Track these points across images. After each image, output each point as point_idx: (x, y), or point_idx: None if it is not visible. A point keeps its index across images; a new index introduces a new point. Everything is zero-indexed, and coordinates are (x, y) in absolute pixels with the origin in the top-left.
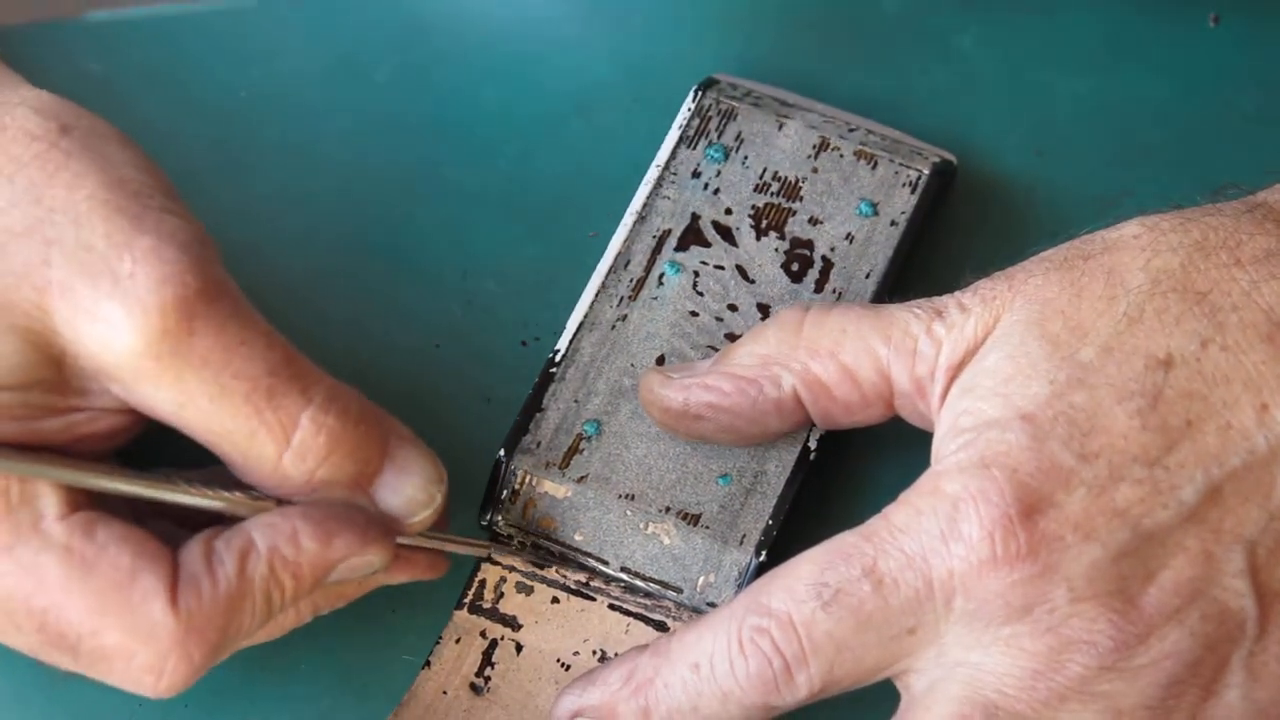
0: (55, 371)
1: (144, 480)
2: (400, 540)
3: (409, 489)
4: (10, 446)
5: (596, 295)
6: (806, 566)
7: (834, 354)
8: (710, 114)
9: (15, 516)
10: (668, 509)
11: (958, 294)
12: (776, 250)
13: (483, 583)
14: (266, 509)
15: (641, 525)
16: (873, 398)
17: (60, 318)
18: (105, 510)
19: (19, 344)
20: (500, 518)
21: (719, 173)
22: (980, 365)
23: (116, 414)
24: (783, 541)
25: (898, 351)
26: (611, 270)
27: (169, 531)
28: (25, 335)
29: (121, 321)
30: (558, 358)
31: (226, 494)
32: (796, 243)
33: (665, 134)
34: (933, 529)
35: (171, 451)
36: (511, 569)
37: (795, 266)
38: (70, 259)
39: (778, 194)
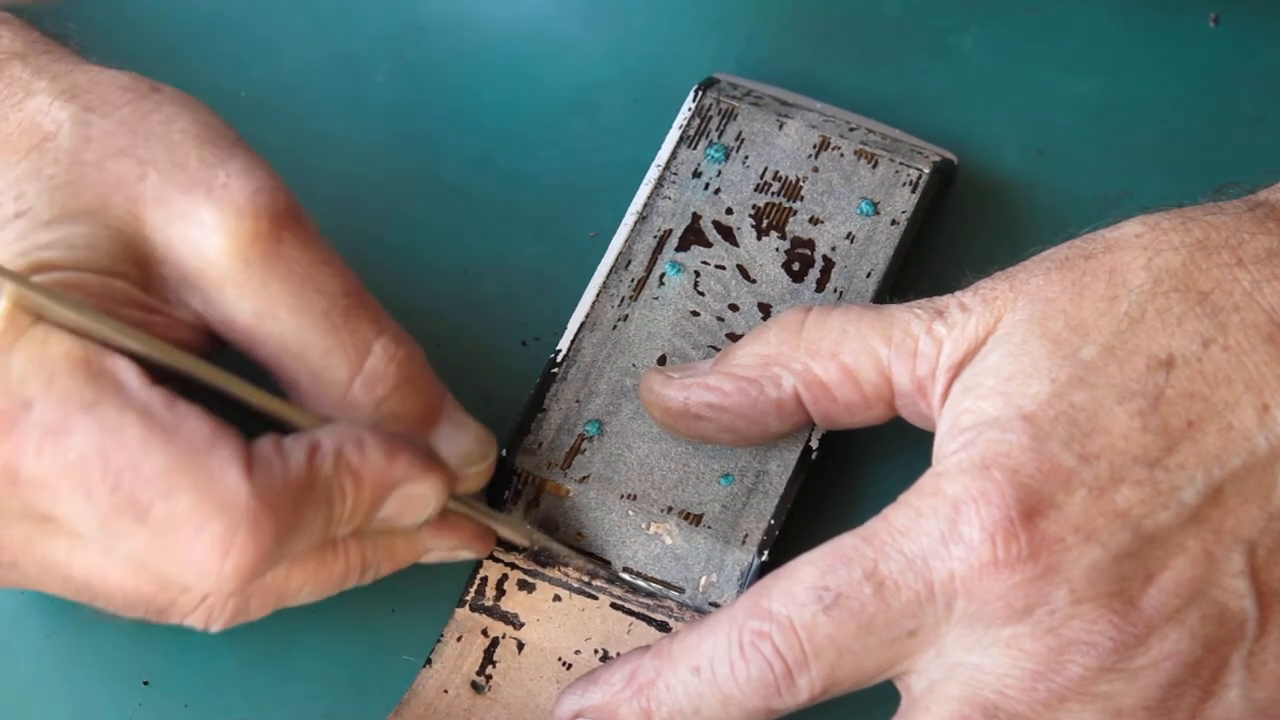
0: (139, 270)
1: (225, 374)
2: (450, 505)
3: (465, 441)
4: (96, 309)
5: (598, 295)
6: (807, 569)
7: (835, 354)
8: (711, 114)
9: (100, 378)
10: (670, 509)
11: (959, 294)
12: (777, 250)
13: (484, 580)
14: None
15: (643, 525)
16: (874, 398)
17: (153, 224)
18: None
19: (108, 237)
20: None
21: (720, 172)
22: (981, 364)
23: (190, 328)
24: (785, 541)
25: (899, 352)
26: (613, 270)
27: None
28: (116, 233)
29: (215, 224)
30: (559, 358)
31: (299, 410)
32: (797, 242)
33: (665, 134)
34: (933, 531)
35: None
36: (513, 566)
37: (796, 266)
38: (164, 175)
39: (778, 193)
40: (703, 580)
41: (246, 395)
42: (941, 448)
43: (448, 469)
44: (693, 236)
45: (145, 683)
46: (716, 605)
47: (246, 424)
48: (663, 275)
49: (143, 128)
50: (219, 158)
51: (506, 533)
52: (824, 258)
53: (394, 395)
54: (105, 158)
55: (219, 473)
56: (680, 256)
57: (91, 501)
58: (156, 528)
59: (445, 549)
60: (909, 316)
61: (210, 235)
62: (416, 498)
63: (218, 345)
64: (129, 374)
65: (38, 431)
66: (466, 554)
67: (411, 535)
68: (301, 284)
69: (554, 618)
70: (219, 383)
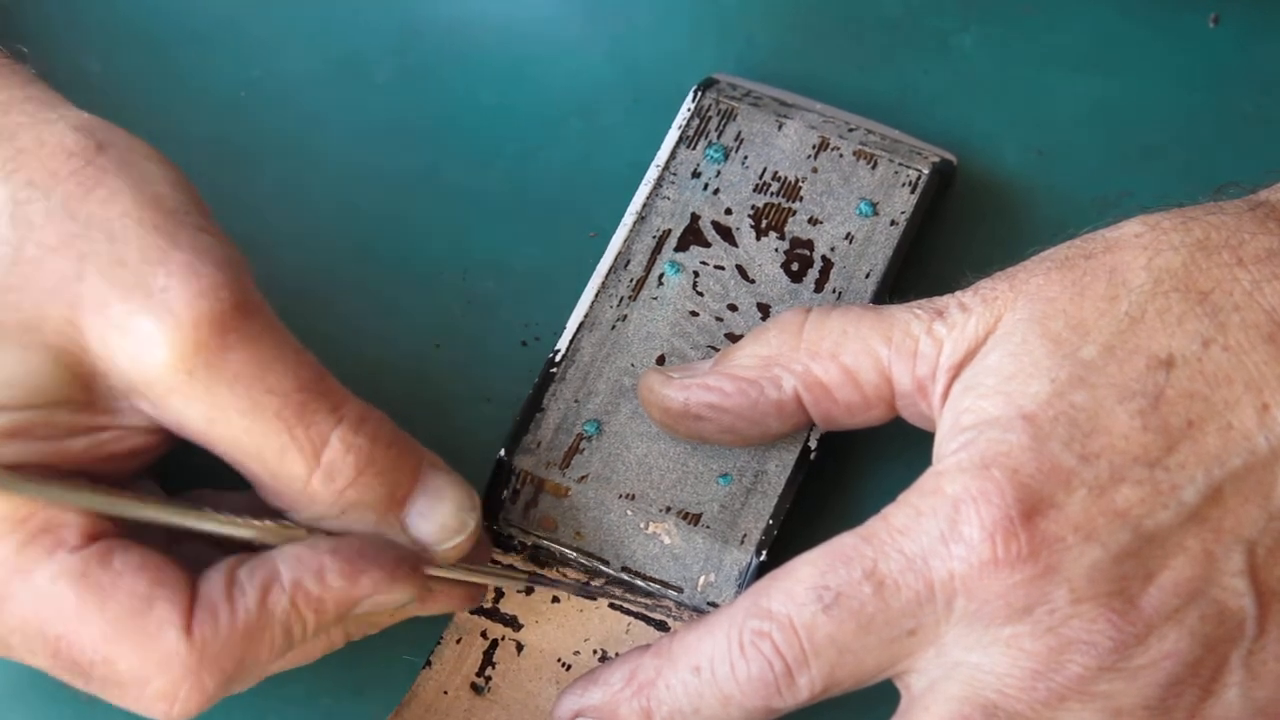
0: (83, 389)
1: (170, 507)
2: (432, 572)
3: (441, 515)
4: (34, 470)
5: (597, 295)
6: (806, 569)
7: (835, 355)
8: (710, 114)
9: (35, 543)
10: (668, 509)
11: (959, 294)
12: (776, 250)
13: None
14: (297, 537)
15: (642, 525)
16: (874, 399)
17: (92, 333)
18: (130, 535)
19: (48, 361)
20: (501, 518)
21: (719, 173)
22: (982, 364)
23: (144, 432)
24: (783, 541)
25: (899, 352)
26: (612, 270)
27: (201, 553)
28: (55, 353)
29: (155, 335)
30: (558, 357)
31: (256, 522)
32: (796, 242)
33: (665, 134)
34: (933, 530)
35: (200, 472)
36: (511, 568)
37: (795, 266)
38: (103, 273)
39: (777, 194)
40: (701, 580)
41: (201, 525)
42: (941, 447)
43: (419, 567)
44: (692, 237)
45: None
46: (715, 605)
47: (233, 476)
48: (661, 275)
49: (83, 211)
50: (160, 250)
51: (495, 582)
52: (823, 258)
53: (355, 485)
54: (45, 252)
55: (157, 633)
56: (679, 257)
57: (36, 658)
58: (101, 683)
59: (434, 613)
60: (909, 317)
61: (151, 347)
62: (387, 601)
63: (176, 440)
64: (69, 531)
65: None
66: (457, 609)
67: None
68: (250, 387)
69: (553, 619)
70: (170, 520)
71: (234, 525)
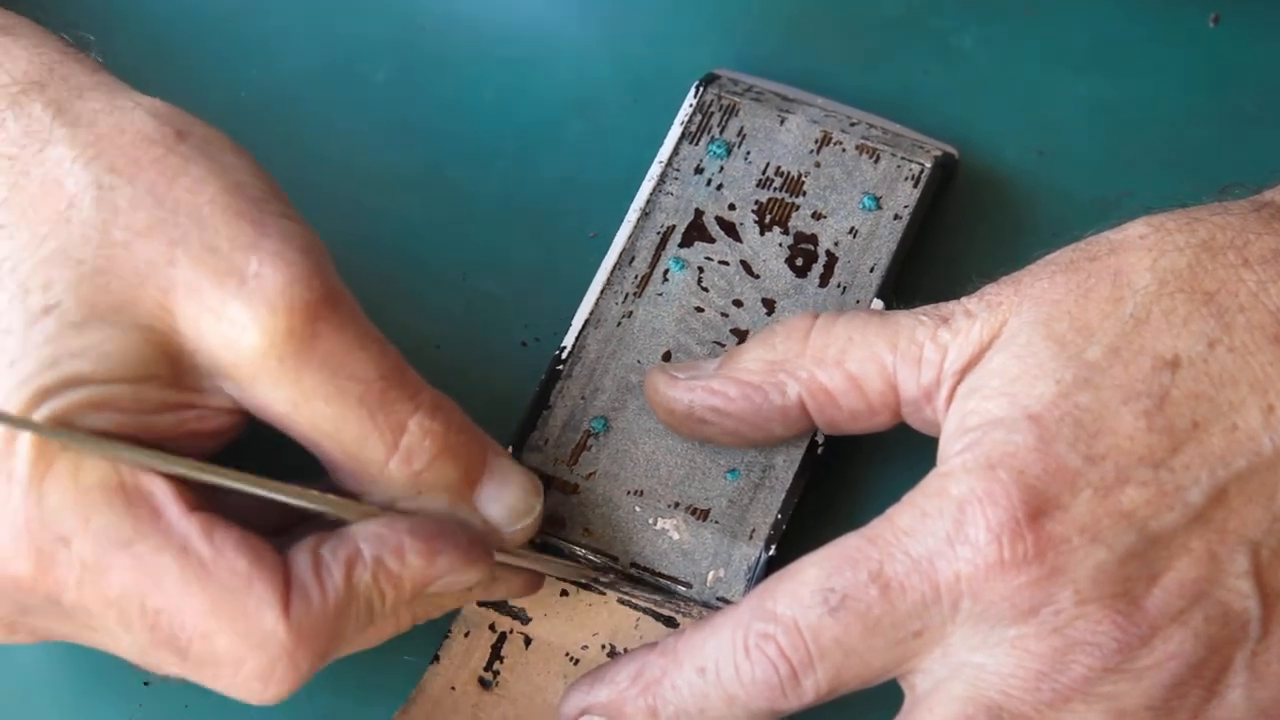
0: (170, 368)
1: (259, 480)
2: (499, 558)
3: (510, 497)
4: (125, 438)
5: (602, 292)
6: (812, 571)
7: (840, 362)
8: (712, 109)
9: (135, 511)
10: (676, 504)
11: (964, 300)
12: (780, 245)
13: None
14: (374, 514)
15: (650, 521)
16: (879, 406)
17: (183, 316)
18: (217, 508)
19: (139, 340)
20: None
21: (722, 168)
22: (986, 366)
23: (226, 413)
24: (792, 535)
25: (904, 359)
26: (616, 267)
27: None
28: (145, 332)
29: (248, 321)
30: (564, 354)
31: (337, 498)
32: (800, 237)
33: (665, 134)
34: (939, 532)
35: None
36: (573, 558)
37: (799, 261)
38: (195, 260)
39: (781, 189)
40: (710, 575)
41: (284, 496)
42: (946, 448)
43: (490, 550)
44: (696, 232)
45: (145, 683)
46: (724, 600)
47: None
48: (666, 271)
49: (170, 197)
50: (251, 236)
51: (558, 573)
52: (827, 253)
53: (431, 468)
54: (133, 236)
55: (256, 613)
56: (683, 253)
57: (131, 633)
58: (196, 662)
59: (496, 596)
60: (914, 323)
61: (243, 332)
62: (459, 581)
63: (253, 421)
64: (167, 500)
65: (77, 567)
66: (520, 595)
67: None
68: (335, 373)
69: (561, 613)
70: (255, 489)
71: (321, 501)
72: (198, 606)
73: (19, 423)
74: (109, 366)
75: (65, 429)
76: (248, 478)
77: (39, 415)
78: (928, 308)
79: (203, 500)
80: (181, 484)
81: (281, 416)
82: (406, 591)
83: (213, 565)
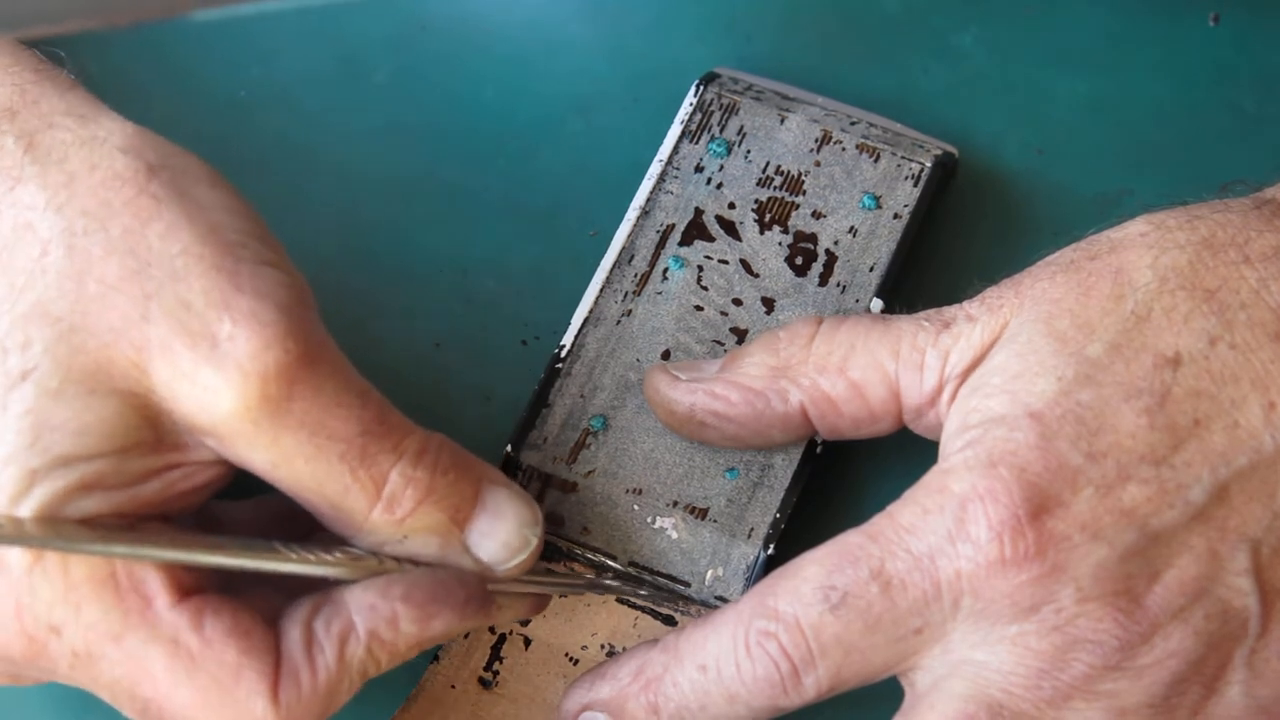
0: (152, 431)
1: (247, 551)
2: (496, 588)
3: (503, 533)
4: (112, 526)
5: (601, 290)
6: (813, 568)
7: (843, 370)
8: (712, 108)
9: (125, 603)
10: (675, 503)
11: (964, 304)
12: (780, 244)
13: None
14: (369, 568)
15: (649, 519)
16: (881, 413)
17: (158, 376)
18: (209, 584)
19: (118, 407)
20: None
21: (722, 167)
22: (988, 364)
23: (212, 466)
24: (790, 534)
25: (906, 365)
26: (616, 265)
27: (268, 596)
28: (123, 396)
29: (221, 387)
30: (563, 353)
31: (329, 557)
32: (800, 236)
33: (665, 133)
34: (940, 529)
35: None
36: (570, 573)
37: (799, 260)
38: (168, 315)
39: (780, 188)
40: (709, 574)
41: (279, 567)
42: (948, 445)
43: (487, 605)
44: (695, 231)
45: None
46: (723, 599)
47: None
48: (666, 270)
49: (143, 245)
50: (224, 292)
51: (557, 591)
52: (827, 252)
53: (415, 515)
54: (107, 289)
55: (245, 703)
56: (683, 251)
57: (124, 711)
58: None
59: (501, 624)
60: (916, 329)
61: (216, 397)
62: (457, 632)
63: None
64: (157, 589)
65: (68, 654)
66: (525, 617)
67: None
68: (314, 434)
69: (560, 613)
70: (248, 564)
71: (310, 563)
72: (187, 699)
73: (17, 540)
74: (91, 441)
75: (58, 535)
76: (240, 552)
77: (30, 502)
78: (929, 312)
79: (195, 581)
80: (174, 566)
81: (263, 474)
82: (401, 654)
83: (201, 657)
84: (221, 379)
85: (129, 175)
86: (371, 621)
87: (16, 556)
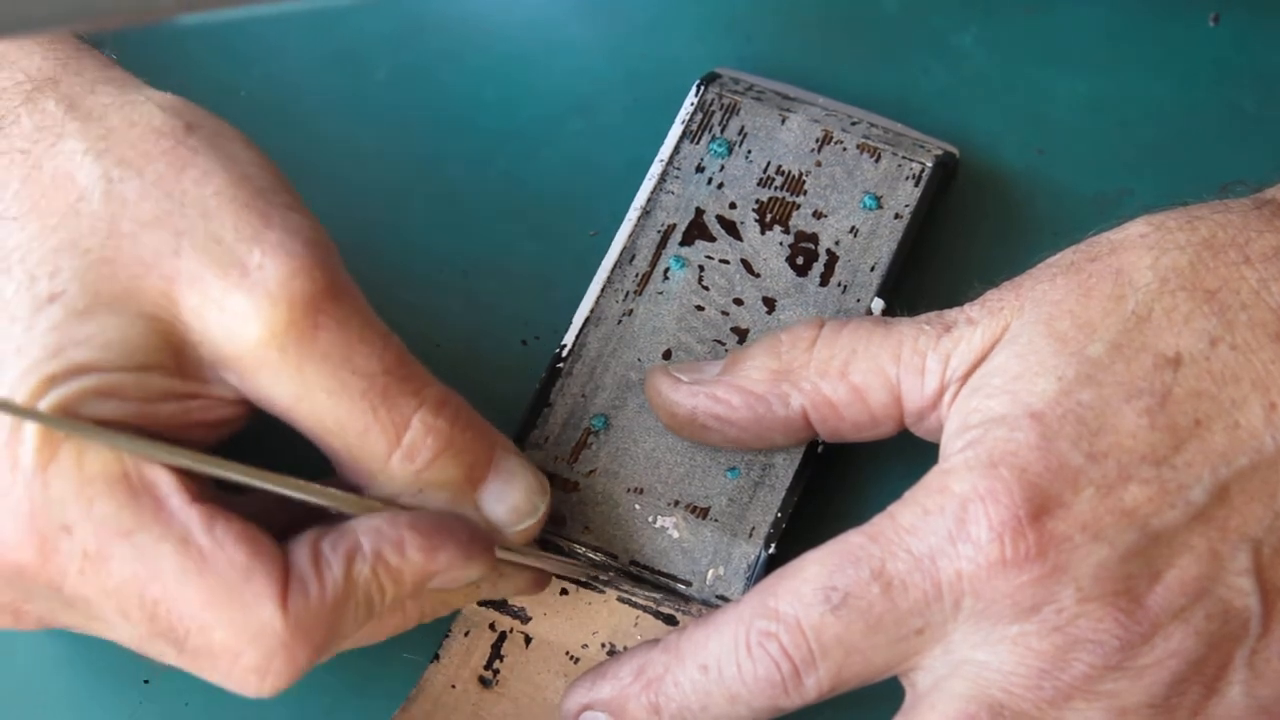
0: (174, 357)
1: (261, 473)
2: (501, 555)
3: (514, 497)
4: (129, 427)
5: (602, 290)
6: (814, 568)
7: (844, 374)
8: (713, 108)
9: (137, 500)
10: (676, 502)
11: (965, 307)
12: (781, 244)
13: None
14: (376, 509)
15: (650, 519)
16: (882, 417)
17: (187, 306)
18: (218, 503)
19: (143, 329)
20: None
21: (722, 167)
22: (989, 365)
23: (229, 404)
24: (791, 534)
25: (907, 370)
26: (616, 265)
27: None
28: (149, 321)
29: (249, 312)
30: (564, 353)
31: (338, 492)
32: (801, 236)
33: (665, 133)
34: (940, 529)
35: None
36: (574, 555)
37: (800, 260)
38: (200, 250)
39: (781, 188)
40: (710, 573)
41: (285, 489)
42: (948, 445)
43: (491, 546)
44: (696, 231)
45: (145, 681)
46: (724, 598)
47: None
48: (667, 270)
49: (177, 189)
50: (255, 228)
51: (560, 571)
52: (828, 252)
53: (433, 466)
54: (140, 227)
55: (254, 605)
56: (684, 251)
57: (130, 623)
58: (193, 653)
59: (501, 594)
60: (917, 332)
61: (244, 323)
62: (460, 577)
63: (256, 413)
64: (170, 490)
65: (78, 555)
66: (524, 593)
67: (466, 587)
68: (338, 367)
69: (561, 611)
70: (257, 482)
71: (319, 494)
72: (196, 598)
73: (24, 413)
74: (113, 354)
75: (70, 419)
76: (250, 470)
77: (45, 403)
78: (930, 315)
79: (206, 492)
80: (185, 475)
81: (284, 409)
82: (406, 586)
83: (212, 557)
84: (250, 304)
85: (167, 130)
86: (377, 542)
87: (29, 454)
